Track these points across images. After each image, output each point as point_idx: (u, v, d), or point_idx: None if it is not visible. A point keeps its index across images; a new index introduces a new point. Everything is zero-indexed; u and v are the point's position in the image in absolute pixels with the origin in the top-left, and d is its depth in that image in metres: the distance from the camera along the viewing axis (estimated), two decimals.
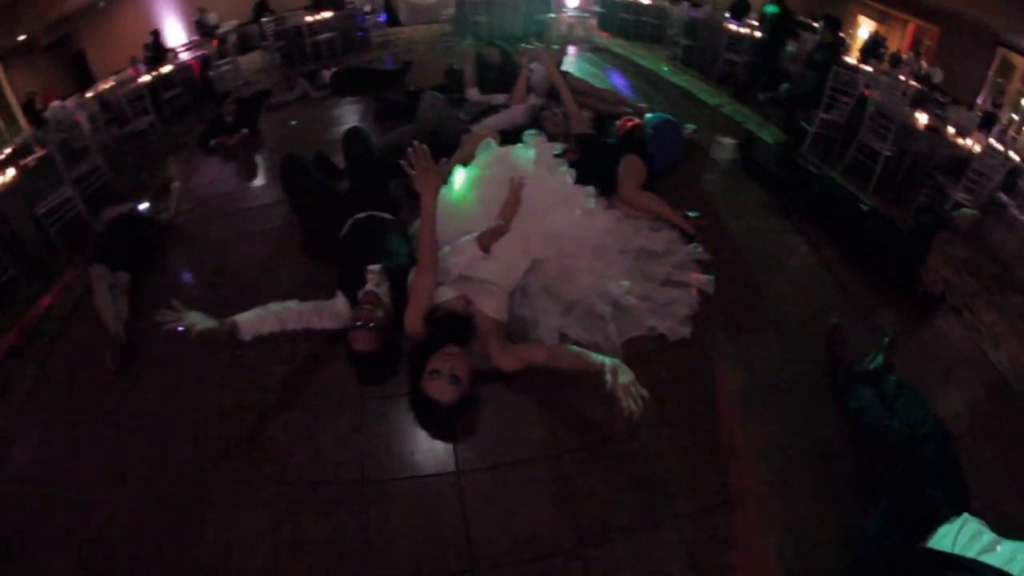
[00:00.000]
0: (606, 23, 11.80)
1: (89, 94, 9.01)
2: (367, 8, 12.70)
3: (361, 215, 3.66)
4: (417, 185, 2.93)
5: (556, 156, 4.00)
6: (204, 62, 9.74)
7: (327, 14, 10.71)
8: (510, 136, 4.43)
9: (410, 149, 2.90)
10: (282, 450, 2.94)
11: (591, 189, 3.98)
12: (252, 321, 2.98)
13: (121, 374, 3.54)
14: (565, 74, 5.82)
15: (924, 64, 11.53)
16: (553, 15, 10.72)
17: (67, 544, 2.68)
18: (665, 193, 4.40)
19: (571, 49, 9.84)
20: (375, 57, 10.24)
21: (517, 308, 3.31)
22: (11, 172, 5.60)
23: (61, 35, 12.90)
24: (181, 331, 2.72)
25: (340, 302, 3.24)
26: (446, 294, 3.04)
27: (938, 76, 10.71)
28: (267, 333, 3.03)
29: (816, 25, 13.00)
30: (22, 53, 12.16)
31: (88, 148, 6.53)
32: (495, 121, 5.08)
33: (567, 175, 3.89)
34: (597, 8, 11.91)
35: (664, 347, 3.31)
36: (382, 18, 12.46)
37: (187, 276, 4.53)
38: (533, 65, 5.73)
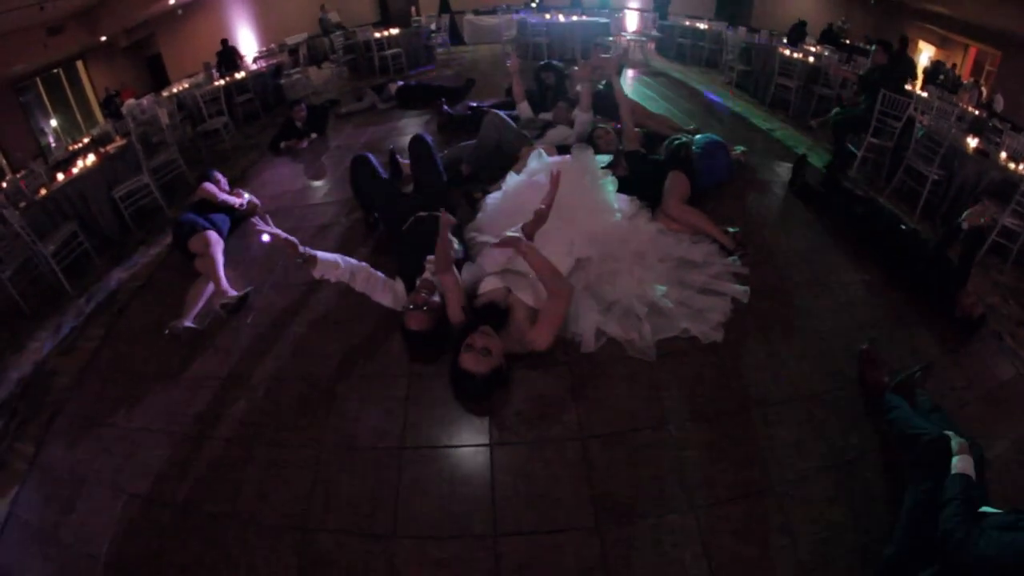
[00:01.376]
0: (664, 47, 11.99)
1: (164, 94, 9.57)
2: (433, 26, 13.17)
3: (423, 214, 3.89)
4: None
5: (603, 168, 4.19)
6: (276, 70, 10.21)
7: (394, 31, 11.14)
8: (563, 150, 4.63)
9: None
10: (325, 415, 3.20)
11: (632, 198, 4.18)
12: (328, 261, 3.34)
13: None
14: None
15: (984, 90, 11.34)
16: (612, 38, 10.92)
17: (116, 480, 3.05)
18: (711, 209, 4.50)
19: (629, 72, 10.00)
20: (438, 74, 10.56)
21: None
22: (92, 158, 6.11)
23: (140, 38, 13.96)
24: (267, 241, 3.16)
25: (400, 284, 3.54)
26: (490, 284, 3.28)
27: (1000, 104, 10.50)
28: (335, 280, 3.39)
29: (871, 48, 13.06)
30: (103, 53, 13.19)
31: (165, 142, 7.05)
32: (555, 135, 5.30)
33: (610, 184, 4.07)
34: (655, 33, 12.11)
35: (696, 348, 3.40)
36: (442, 40, 12.77)
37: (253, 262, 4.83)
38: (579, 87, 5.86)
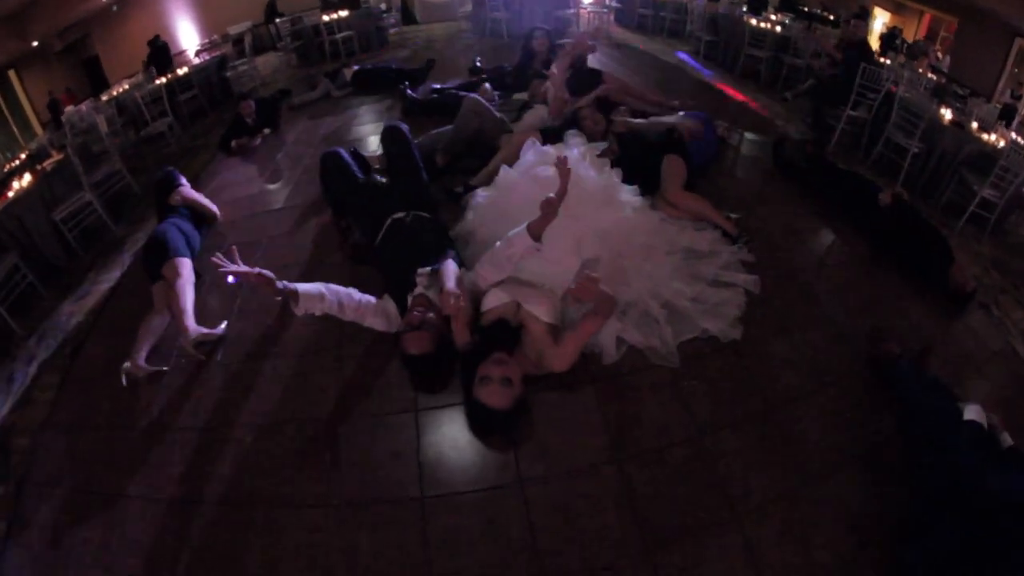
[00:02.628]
0: (624, 18, 11.63)
1: (104, 98, 8.87)
2: (383, 6, 12.59)
3: (399, 214, 3.51)
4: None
5: (599, 156, 3.92)
6: (220, 63, 9.61)
7: (343, 13, 10.56)
8: (549, 135, 4.33)
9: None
10: (332, 464, 2.83)
11: (636, 188, 3.90)
12: (312, 295, 2.89)
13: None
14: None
15: (940, 54, 11.41)
16: (572, 10, 10.53)
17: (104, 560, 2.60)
18: (703, 190, 4.35)
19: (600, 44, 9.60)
20: (393, 56, 10.02)
21: (573, 311, 3.20)
22: (28, 178, 5.47)
23: (74, 40, 12.93)
24: (234, 281, 2.67)
25: (391, 304, 3.15)
26: (496, 299, 2.95)
27: (945, 64, 10.60)
28: (320, 314, 2.95)
29: (832, 17, 13.04)
30: (36, 59, 12.23)
31: (106, 152, 6.43)
32: (534, 119, 4.99)
33: (614, 174, 3.78)
34: (615, 3, 11.75)
35: (717, 349, 3.25)
36: (394, 20, 12.21)
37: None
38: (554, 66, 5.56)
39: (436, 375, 3.03)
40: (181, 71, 9.14)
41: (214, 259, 2.61)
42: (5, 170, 8.10)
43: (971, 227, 4.76)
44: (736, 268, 3.72)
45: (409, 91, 6.66)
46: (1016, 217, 4.96)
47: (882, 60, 7.32)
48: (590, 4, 11.18)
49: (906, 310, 3.67)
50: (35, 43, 11.79)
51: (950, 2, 11.24)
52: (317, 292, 2.90)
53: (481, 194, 3.94)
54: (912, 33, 12.91)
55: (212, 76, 9.40)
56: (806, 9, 12.56)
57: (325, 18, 10.34)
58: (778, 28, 8.12)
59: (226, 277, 2.64)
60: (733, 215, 4.09)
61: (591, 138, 4.29)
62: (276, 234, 4.71)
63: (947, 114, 5.46)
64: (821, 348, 3.31)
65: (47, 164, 5.87)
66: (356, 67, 8.02)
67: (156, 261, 3.95)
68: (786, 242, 4.20)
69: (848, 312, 3.58)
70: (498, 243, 3.00)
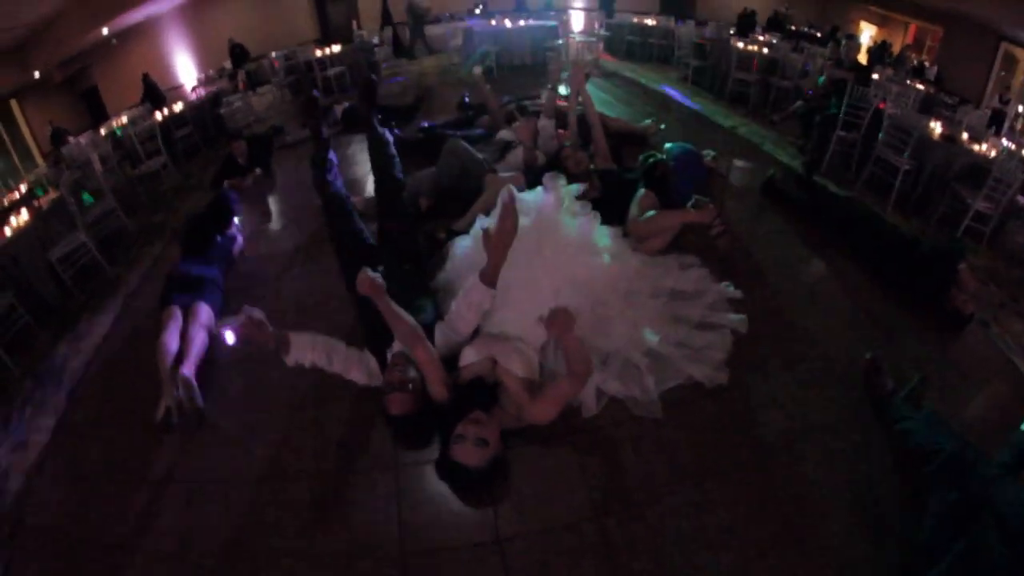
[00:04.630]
0: (612, 46, 11.84)
1: (103, 131, 8.97)
2: (375, 40, 12.80)
3: (382, 268, 3.45)
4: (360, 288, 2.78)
5: (578, 197, 3.84)
6: (214, 99, 9.73)
7: (336, 48, 10.73)
8: (533, 176, 4.31)
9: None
10: (313, 521, 2.80)
11: (617, 231, 3.90)
12: (304, 343, 2.92)
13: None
14: None
15: (927, 62, 11.59)
16: (561, 41, 10.70)
17: None
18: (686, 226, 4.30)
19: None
20: (386, 91, 10.12)
21: (552, 362, 3.13)
22: (24, 215, 5.46)
23: (74, 72, 13.17)
24: (234, 340, 2.70)
25: (372, 359, 3.11)
26: (471, 356, 2.89)
27: (932, 72, 10.77)
28: (309, 365, 2.96)
29: (819, 35, 13.22)
30: (37, 90, 12.42)
31: (100, 190, 6.44)
32: (517, 159, 4.99)
33: (592, 219, 3.68)
34: (603, 32, 11.96)
35: (701, 395, 3.19)
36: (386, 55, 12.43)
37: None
38: (542, 96, 5.74)
39: (418, 434, 3.00)
40: (177, 107, 9.23)
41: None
42: (5, 203, 8.29)
43: (967, 240, 4.75)
44: (723, 307, 3.66)
45: (396, 131, 6.54)
46: (1013, 226, 4.91)
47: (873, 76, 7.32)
48: (579, 34, 11.38)
49: (902, 338, 3.62)
50: (36, 74, 11.98)
51: (934, 11, 11.43)
52: (309, 341, 2.93)
53: (460, 243, 3.89)
54: (899, 44, 13.13)
55: (206, 113, 9.49)
56: (793, 28, 12.82)
57: (319, 53, 10.48)
58: (765, 50, 8.20)
59: (224, 335, 2.68)
60: (702, 199, 3.99)
61: (573, 179, 4.21)
62: (268, 279, 4.70)
63: (937, 128, 5.46)
64: (813, 387, 3.25)
65: (43, 201, 5.88)
66: (346, 104, 8.09)
67: (187, 291, 4.06)
68: (776, 276, 4.19)
69: (841, 347, 3.52)
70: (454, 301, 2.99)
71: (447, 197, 4.86)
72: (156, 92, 11.21)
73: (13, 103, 12.36)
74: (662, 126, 6.23)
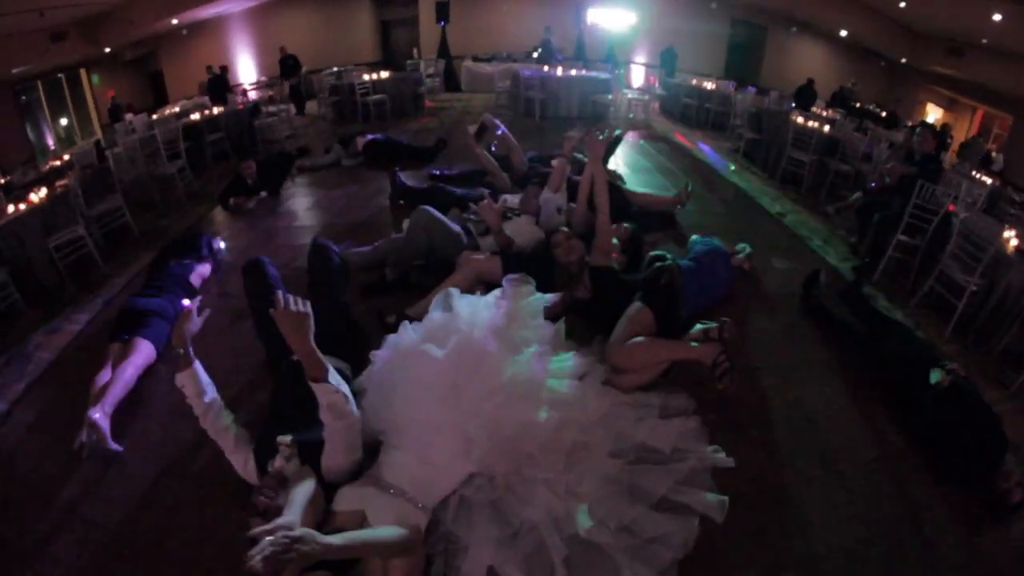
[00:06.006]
0: (668, 107, 11.45)
1: (155, 116, 9.35)
2: (430, 70, 12.72)
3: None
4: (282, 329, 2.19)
5: (548, 305, 3.17)
6: (253, 109, 9.71)
7: (384, 74, 10.64)
8: (512, 262, 3.73)
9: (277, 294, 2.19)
10: None
11: (589, 361, 3.08)
12: (199, 378, 2.59)
13: None
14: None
15: (995, 153, 10.84)
16: (611, 96, 10.36)
17: None
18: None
19: (628, 136, 9.19)
20: (421, 126, 9.92)
21: (451, 521, 2.45)
22: (44, 192, 5.63)
23: (143, 54, 14.19)
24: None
25: (251, 462, 2.58)
26: (346, 501, 2.30)
27: (999, 163, 10.04)
28: (187, 399, 2.60)
29: (884, 115, 12.53)
30: (106, 64, 13.44)
31: (112, 186, 6.42)
32: (510, 232, 4.26)
33: (543, 353, 2.86)
34: (659, 91, 11.60)
35: None
36: (428, 88, 12.17)
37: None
38: (553, 161, 4.89)
39: None
40: (216, 110, 9.30)
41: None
42: (45, 169, 8.51)
43: None
44: (701, 481, 2.71)
45: (400, 176, 6.20)
46: None
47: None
48: (632, 90, 11.05)
49: (934, 531, 2.71)
50: (107, 50, 12.71)
51: (1006, 97, 11.03)
52: (205, 382, 2.59)
53: (381, 354, 2.92)
54: (964, 130, 12.49)
55: (243, 121, 9.44)
56: (857, 105, 12.21)
57: (366, 77, 10.39)
58: (826, 127, 7.43)
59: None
60: (712, 323, 3.11)
61: (562, 267, 3.69)
62: (225, 313, 4.27)
63: (1011, 238, 4.38)
64: None
65: (58, 187, 5.86)
66: (369, 137, 7.81)
67: (128, 327, 3.83)
68: (793, 427, 3.25)
69: (852, 545, 2.61)
70: None
71: (418, 269, 4.32)
72: (221, 87, 11.40)
73: (82, 72, 13.33)
74: (688, 187, 5.57)
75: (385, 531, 2.11)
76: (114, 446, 3.10)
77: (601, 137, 4.07)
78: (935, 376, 3.19)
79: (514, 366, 2.71)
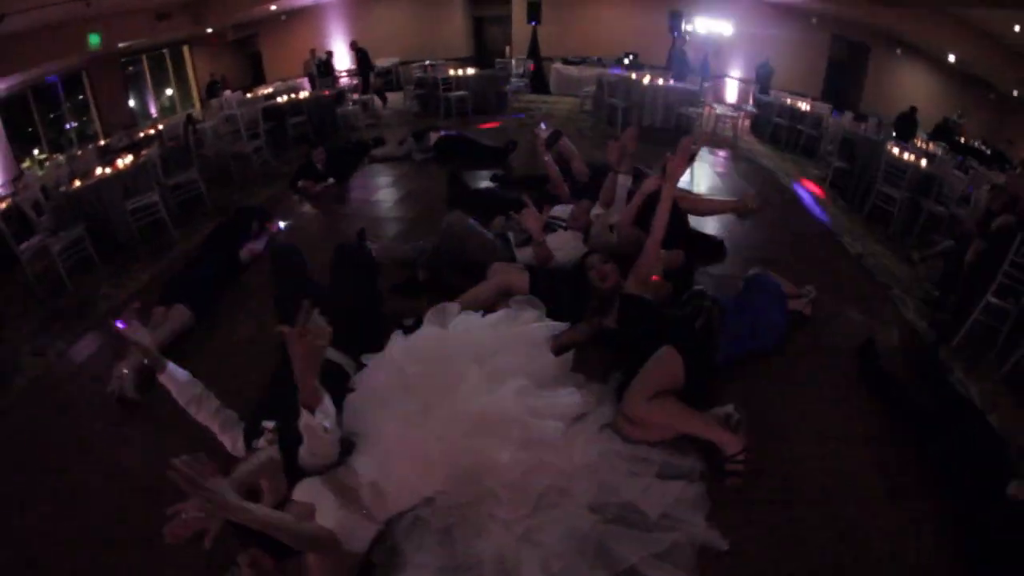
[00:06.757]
0: (759, 126, 10.89)
1: (248, 96, 9.95)
2: (520, 70, 12.61)
3: None
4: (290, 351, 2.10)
5: (558, 336, 3.03)
6: (339, 96, 9.92)
7: (470, 71, 10.63)
8: (542, 278, 3.55)
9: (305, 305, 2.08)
10: None
11: (574, 404, 2.76)
12: (179, 378, 2.61)
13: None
14: None
15: None
16: (700, 110, 9.93)
17: None
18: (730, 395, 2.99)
19: (715, 155, 8.82)
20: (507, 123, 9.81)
21: (402, 537, 2.32)
22: (130, 159, 6.24)
23: (244, 36, 14.98)
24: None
25: (241, 440, 2.60)
26: (300, 492, 2.22)
27: None
28: (183, 403, 2.63)
29: (989, 152, 11.36)
30: (208, 42, 14.23)
31: (190, 160, 6.89)
32: (542, 251, 3.96)
33: (520, 390, 2.61)
34: (751, 107, 11.06)
35: None
36: (513, 88, 11.92)
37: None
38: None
39: None
40: (303, 94, 9.60)
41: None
42: (139, 137, 9.19)
43: None
44: (685, 559, 2.26)
45: (460, 176, 6.11)
46: None
47: None
48: (725, 105, 10.56)
49: None
50: (209, 29, 13.39)
51: None
52: (184, 379, 2.64)
53: (361, 376, 2.84)
54: None
55: (325, 108, 9.68)
56: (962, 140, 11.23)
57: (451, 72, 10.40)
58: (923, 161, 6.66)
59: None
60: (734, 412, 2.76)
61: (593, 293, 3.43)
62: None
63: None
64: None
65: (142, 156, 6.38)
66: (443, 132, 7.79)
67: (172, 293, 4.12)
68: (810, 511, 2.58)
69: None
70: None
71: (451, 270, 4.12)
72: (366, 62, 12.04)
73: (185, 49, 14.27)
74: (756, 195, 5.04)
75: (305, 525, 2.02)
76: (135, 396, 3.35)
77: (692, 148, 3.72)
78: (1013, 485, 2.48)
79: (488, 396, 2.53)
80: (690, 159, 5.70)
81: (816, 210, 6.96)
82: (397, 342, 2.80)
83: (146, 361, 2.65)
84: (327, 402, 2.17)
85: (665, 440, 2.75)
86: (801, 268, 4.57)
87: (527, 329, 2.94)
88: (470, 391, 2.51)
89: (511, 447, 2.42)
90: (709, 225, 5.39)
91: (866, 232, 6.45)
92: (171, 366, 2.62)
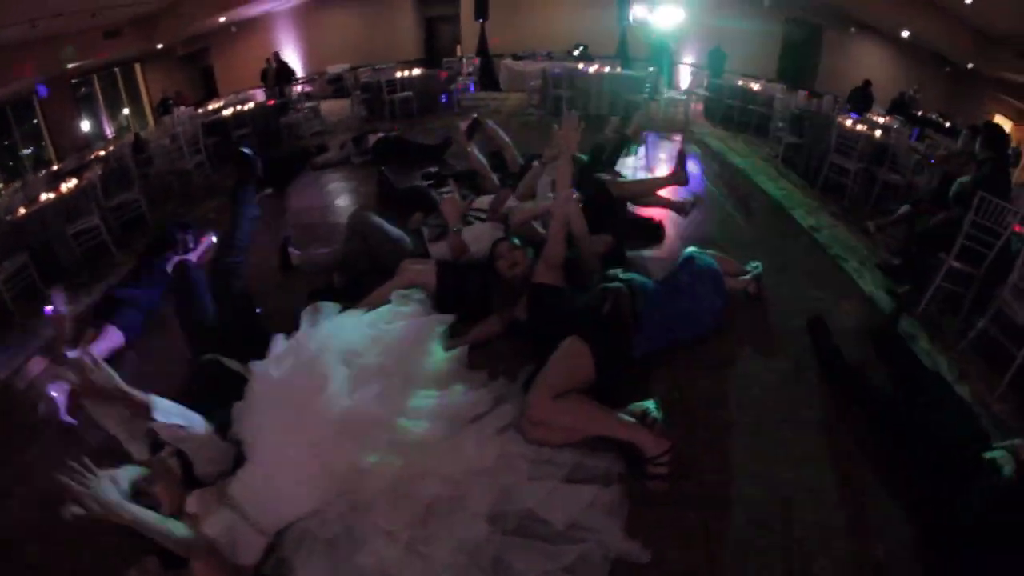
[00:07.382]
0: (712, 110, 10.92)
1: (199, 111, 9.86)
2: (468, 70, 12.60)
3: (209, 356, 2.74)
4: None
5: (454, 338, 2.95)
6: (282, 107, 9.82)
7: (416, 71, 10.56)
8: (450, 273, 3.43)
9: None
10: None
11: (463, 404, 2.60)
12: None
13: None
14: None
15: None
16: (647, 96, 9.92)
17: None
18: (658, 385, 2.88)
19: (676, 138, 8.84)
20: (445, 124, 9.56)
21: (291, 550, 2.19)
22: (73, 183, 6.26)
23: (195, 50, 14.78)
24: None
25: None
26: (191, 503, 2.12)
27: None
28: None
29: (948, 125, 11.57)
30: (160, 59, 14.02)
31: (131, 180, 6.80)
32: (455, 242, 3.88)
33: (382, 392, 2.48)
34: (703, 92, 11.11)
35: None
36: (460, 88, 11.89)
37: None
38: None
39: None
40: (247, 106, 9.51)
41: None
42: (91, 158, 9.00)
43: None
44: (595, 573, 2.08)
45: (386, 174, 5.95)
46: None
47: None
48: (677, 91, 10.59)
49: None
50: (159, 45, 13.30)
51: None
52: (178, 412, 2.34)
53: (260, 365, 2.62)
54: None
55: (271, 118, 9.56)
56: (919, 113, 11.36)
57: (398, 74, 10.31)
58: (877, 132, 6.71)
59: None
60: (655, 410, 2.54)
61: (503, 283, 3.30)
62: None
63: None
64: None
65: (84, 179, 6.35)
66: (380, 134, 7.70)
67: (102, 314, 4.03)
68: (751, 514, 2.35)
69: None
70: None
71: (367, 271, 3.91)
72: (286, 71, 12.09)
73: (137, 67, 14.08)
74: (693, 205, 4.94)
75: (180, 528, 1.95)
76: (67, 419, 3.26)
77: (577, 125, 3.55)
78: (996, 457, 2.27)
79: (349, 399, 2.41)
80: (624, 143, 5.75)
81: (768, 182, 7.00)
82: (275, 346, 2.66)
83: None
84: (157, 402, 2.18)
85: (571, 443, 2.51)
86: (749, 244, 4.48)
87: (406, 325, 2.81)
88: (336, 393, 2.38)
89: (378, 452, 2.29)
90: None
91: (821, 206, 6.35)
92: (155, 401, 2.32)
